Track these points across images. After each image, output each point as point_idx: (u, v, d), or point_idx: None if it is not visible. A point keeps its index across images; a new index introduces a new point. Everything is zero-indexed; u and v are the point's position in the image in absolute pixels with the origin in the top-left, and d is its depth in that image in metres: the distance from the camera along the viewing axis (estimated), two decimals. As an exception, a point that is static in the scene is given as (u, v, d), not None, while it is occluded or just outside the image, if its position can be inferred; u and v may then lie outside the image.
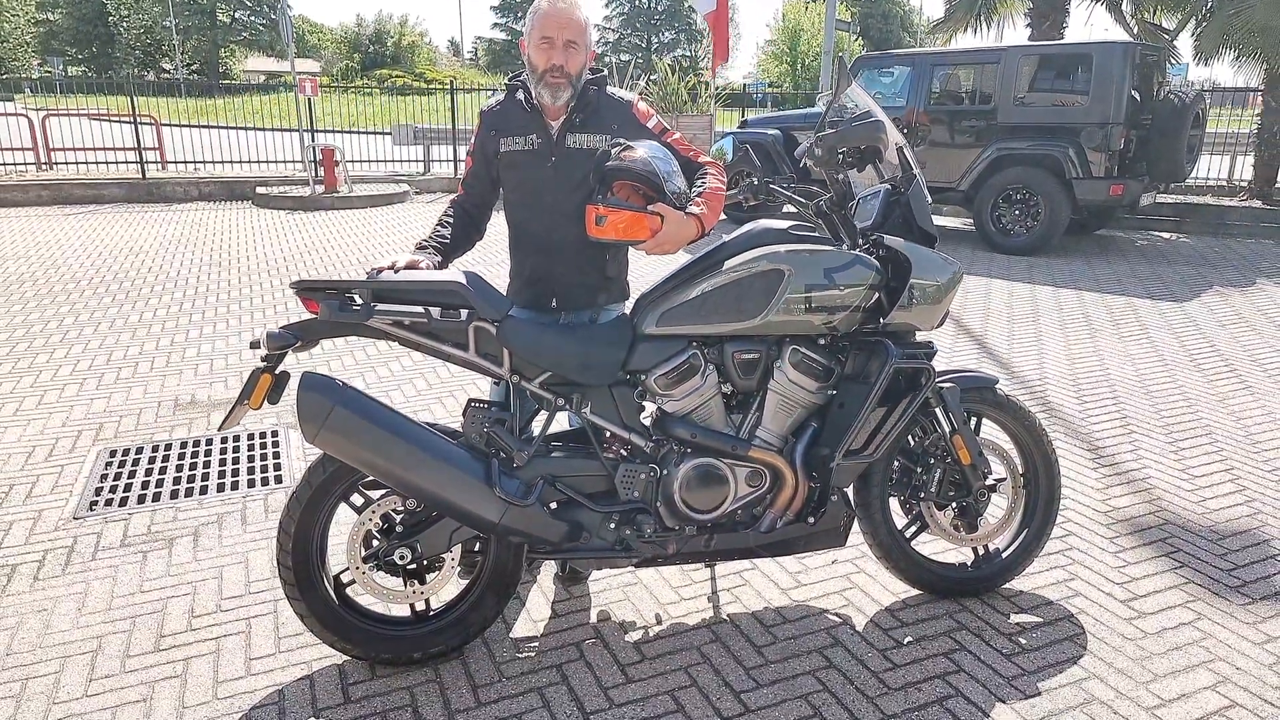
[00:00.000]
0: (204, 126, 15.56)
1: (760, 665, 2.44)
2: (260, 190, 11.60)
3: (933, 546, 2.94)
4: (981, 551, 2.80)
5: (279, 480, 3.61)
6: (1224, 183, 11.44)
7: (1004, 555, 2.77)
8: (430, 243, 2.56)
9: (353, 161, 13.26)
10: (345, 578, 2.46)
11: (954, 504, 2.67)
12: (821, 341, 2.50)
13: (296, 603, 2.35)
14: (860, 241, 2.53)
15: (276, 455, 3.86)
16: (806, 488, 2.50)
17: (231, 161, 13.21)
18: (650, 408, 2.49)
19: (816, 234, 2.55)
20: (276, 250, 8.47)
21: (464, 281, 2.27)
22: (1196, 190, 11.07)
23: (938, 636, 2.57)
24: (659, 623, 2.64)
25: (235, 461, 3.79)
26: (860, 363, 2.52)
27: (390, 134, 15.68)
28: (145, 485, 3.57)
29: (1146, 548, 3.10)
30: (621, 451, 2.47)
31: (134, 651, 2.50)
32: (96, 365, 5.01)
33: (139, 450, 3.91)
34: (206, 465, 3.76)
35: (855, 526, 2.71)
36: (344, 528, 2.91)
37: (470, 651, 2.51)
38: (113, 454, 3.87)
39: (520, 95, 2.58)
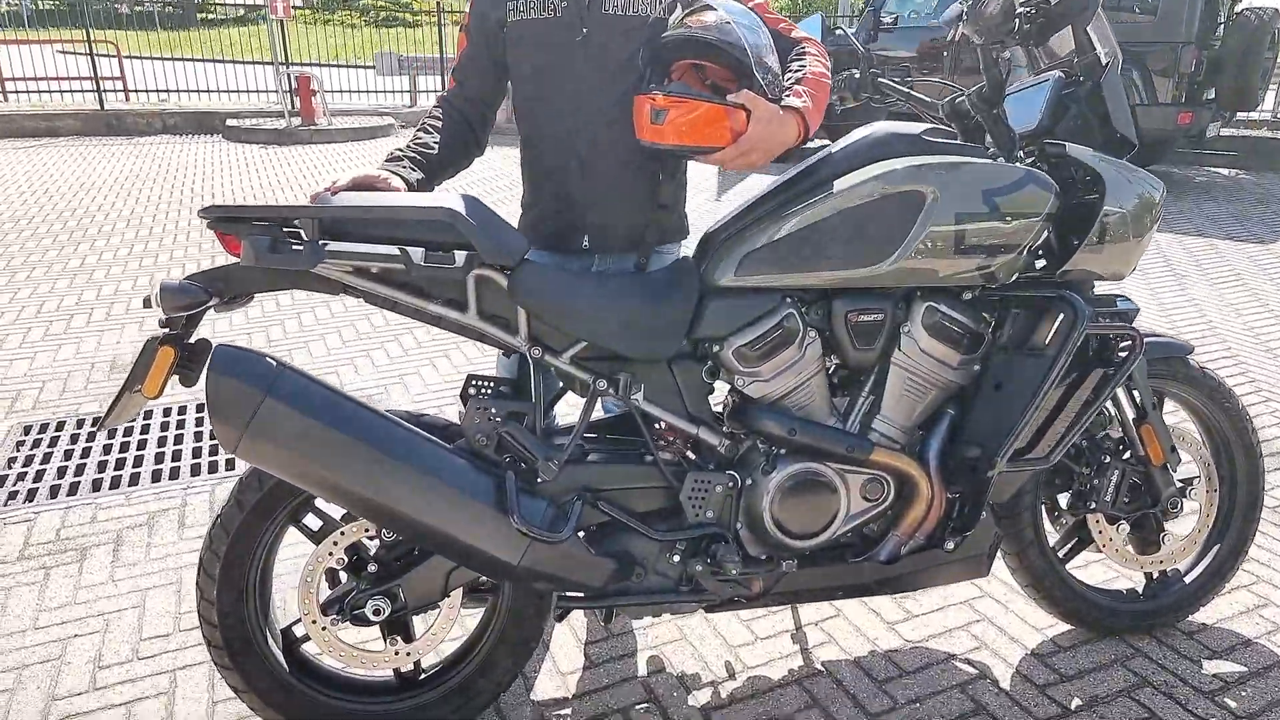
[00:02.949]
0: (173, 59, 14.47)
1: (881, 746, 1.76)
2: (231, 123, 10.65)
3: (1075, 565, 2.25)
4: (1156, 575, 2.11)
5: (230, 466, 2.88)
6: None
7: (1187, 579, 2.08)
8: (407, 154, 1.80)
9: (333, 92, 12.27)
10: (299, 630, 1.75)
11: (1133, 515, 1.97)
12: (967, 296, 1.77)
13: (229, 673, 1.65)
14: (1019, 153, 1.79)
15: (228, 433, 3.12)
16: (943, 501, 1.79)
17: (200, 91, 12.20)
18: (721, 391, 1.77)
19: (958, 142, 1.79)
20: (247, 187, 7.63)
21: (460, 209, 1.51)
22: (1252, 124, 10.23)
23: (1114, 698, 1.89)
24: (731, 675, 1.95)
25: (178, 441, 3.06)
26: (1022, 326, 1.79)
27: (374, 66, 14.65)
28: (61, 473, 2.84)
29: (1338, 557, 2.42)
30: (686, 454, 1.75)
31: (8, 728, 1.81)
32: (23, 318, 4.24)
33: (59, 425, 3.17)
34: (141, 446, 3.03)
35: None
36: (293, 557, 2.20)
37: (477, 726, 1.82)
38: (27, 430, 3.13)
39: (538, -60, 1.80)
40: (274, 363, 1.48)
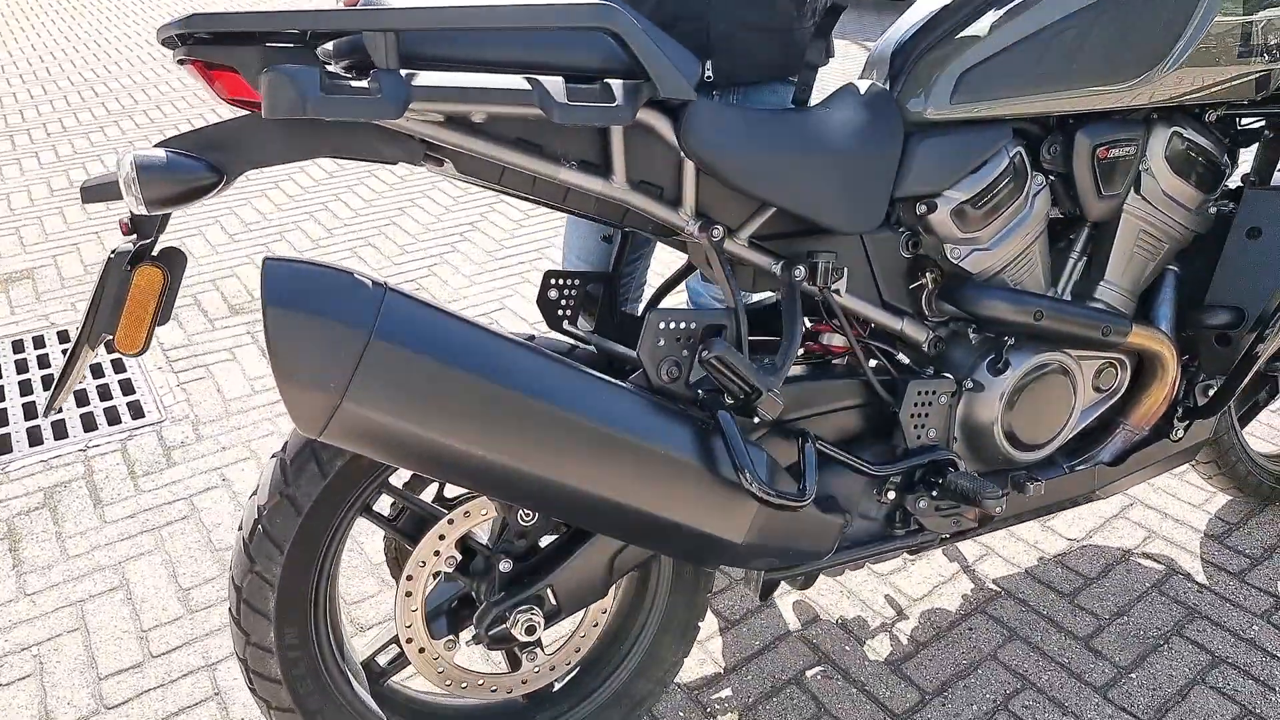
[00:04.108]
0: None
1: (1114, 680, 1.47)
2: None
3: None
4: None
5: (137, 413, 2.19)
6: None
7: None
8: None
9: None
10: (383, 659, 1.23)
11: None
12: (1211, 117, 1.39)
13: (305, 744, 1.12)
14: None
15: (120, 366, 2.39)
16: (1179, 381, 1.46)
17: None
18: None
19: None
20: (52, 40, 6.15)
21: (623, 11, 0.94)
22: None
23: (1313, 576, 1.68)
24: (900, 614, 1.60)
25: (47, 385, 2.30)
26: (1274, 153, 1.43)
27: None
28: (-109, 447, 2.07)
29: None
30: (889, 359, 1.32)
31: None
32: None
33: None
34: (0, 395, 2.26)
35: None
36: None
37: (628, 735, 1.39)
38: None
39: None
40: (370, 282, 0.89)
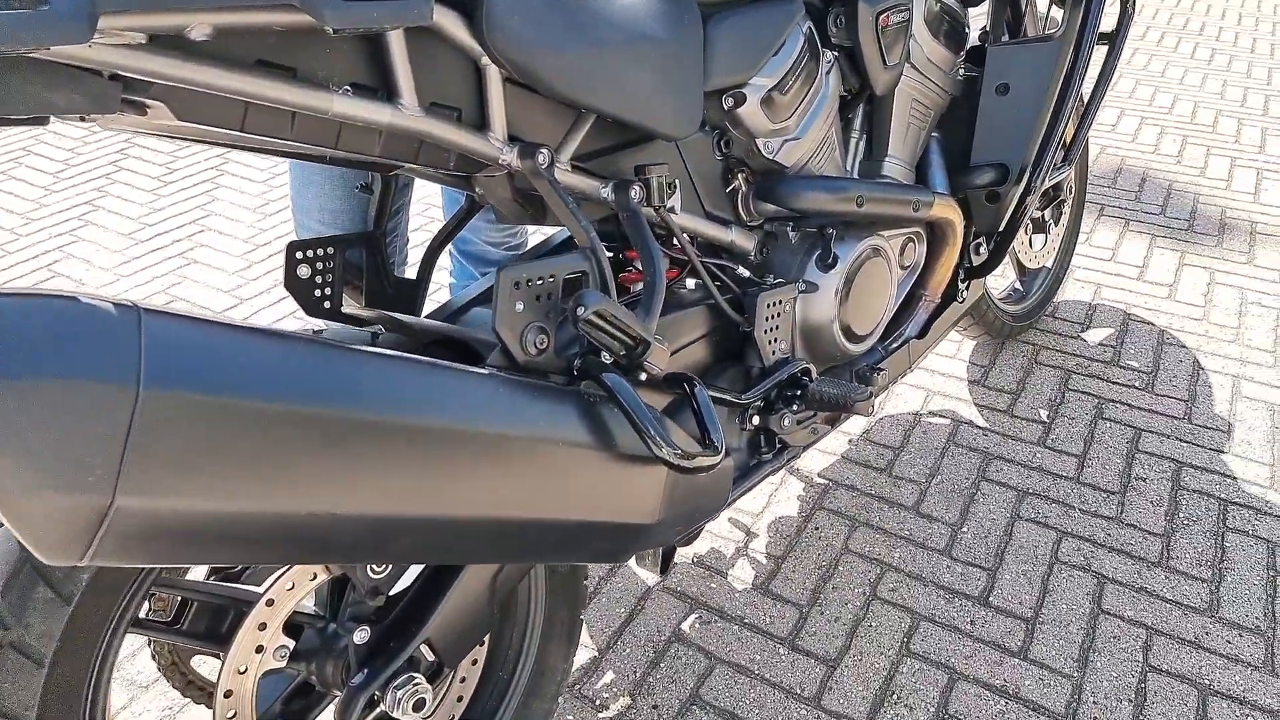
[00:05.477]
0: None
1: (951, 539, 1.52)
2: None
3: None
4: (1027, 274, 2.10)
5: None
6: None
7: (1051, 271, 2.10)
8: None
9: None
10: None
11: (1041, 213, 1.89)
12: (951, -21, 1.40)
13: None
14: None
15: None
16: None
17: None
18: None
19: None
20: None
21: None
22: None
23: (1063, 400, 1.87)
24: (748, 533, 1.53)
25: None
26: (1000, 10, 1.48)
27: None
28: None
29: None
30: (730, 276, 1.20)
31: None
32: None
33: None
34: None
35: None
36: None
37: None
38: None
39: None
40: (110, 303, 0.57)
